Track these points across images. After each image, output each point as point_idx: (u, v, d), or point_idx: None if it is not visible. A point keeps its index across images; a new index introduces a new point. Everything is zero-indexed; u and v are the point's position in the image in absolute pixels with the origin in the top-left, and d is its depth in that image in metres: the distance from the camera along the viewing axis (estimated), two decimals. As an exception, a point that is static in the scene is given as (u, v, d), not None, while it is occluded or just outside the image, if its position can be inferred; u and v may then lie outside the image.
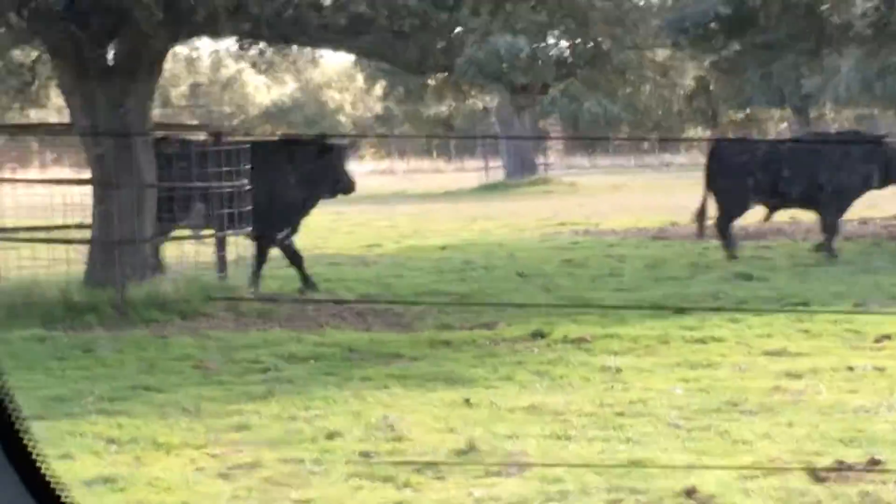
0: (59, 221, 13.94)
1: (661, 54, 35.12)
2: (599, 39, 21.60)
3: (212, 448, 7.11)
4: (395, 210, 30.84)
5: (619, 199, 33.70)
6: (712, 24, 23.27)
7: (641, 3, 27.66)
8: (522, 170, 39.96)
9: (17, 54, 22.97)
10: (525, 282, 15.56)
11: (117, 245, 12.37)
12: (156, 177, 12.82)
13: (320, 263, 16.30)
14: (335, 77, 61.38)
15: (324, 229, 21.22)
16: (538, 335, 11.08)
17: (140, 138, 12.55)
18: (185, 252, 13.78)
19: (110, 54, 12.63)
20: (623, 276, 15.79)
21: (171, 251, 14.28)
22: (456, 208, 31.47)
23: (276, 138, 18.23)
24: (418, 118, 54.99)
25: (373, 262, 17.85)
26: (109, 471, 6.63)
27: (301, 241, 15.01)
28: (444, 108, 52.42)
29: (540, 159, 45.32)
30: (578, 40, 29.61)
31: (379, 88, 43.43)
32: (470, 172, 49.12)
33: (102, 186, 12.45)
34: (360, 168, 38.09)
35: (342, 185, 14.72)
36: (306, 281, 14.35)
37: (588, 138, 52.04)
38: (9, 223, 13.80)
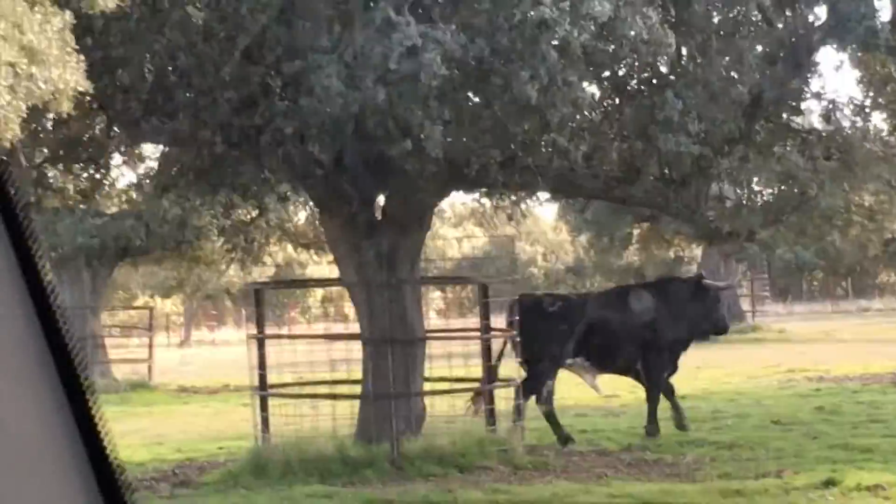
0: (321, 376, 13.99)
1: (869, 198, 34.33)
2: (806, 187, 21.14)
3: None
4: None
5: (835, 345, 32.93)
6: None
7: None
8: (730, 317, 39.04)
9: (240, 212, 23.68)
10: (785, 429, 15.05)
11: (392, 399, 12.26)
12: (423, 329, 12.80)
13: (567, 415, 16.00)
14: (527, 229, 61.70)
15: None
16: (829, 483, 10.68)
17: (410, 290, 12.52)
18: (448, 405, 13.66)
19: (379, 207, 12.71)
20: (887, 422, 15.23)
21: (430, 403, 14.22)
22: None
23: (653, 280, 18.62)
24: (609, 268, 54.63)
25: (618, 412, 17.49)
26: None
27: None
28: (635, 259, 52.02)
29: (747, 306, 44.55)
30: (784, 186, 29.24)
31: (584, 239, 43.56)
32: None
33: (374, 342, 12.42)
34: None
35: (719, 325, 15.54)
36: (678, 413, 14.66)
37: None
38: (273, 379, 13.86)
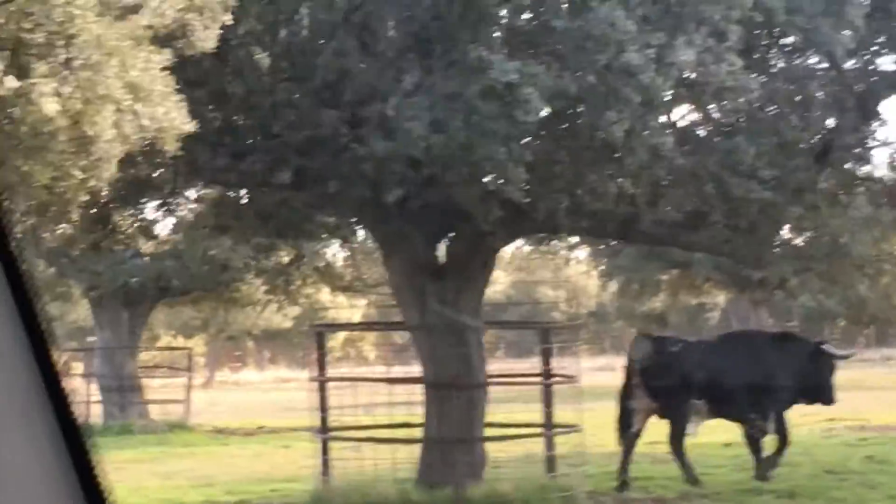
0: (379, 419, 13.91)
1: (901, 246, 34.30)
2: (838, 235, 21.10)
3: None
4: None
5: (867, 393, 32.81)
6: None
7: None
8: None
9: (281, 254, 23.71)
10: (839, 479, 14.88)
11: (455, 444, 12.18)
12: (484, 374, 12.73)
13: (613, 462, 15.88)
14: (550, 274, 61.74)
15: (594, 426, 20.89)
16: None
17: (473, 334, 12.45)
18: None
19: (443, 251, 12.68)
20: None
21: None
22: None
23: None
24: (632, 314, 54.50)
25: (665, 459, 17.34)
26: None
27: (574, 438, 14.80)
28: (657, 304, 51.90)
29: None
30: (815, 233, 29.16)
31: (615, 284, 43.54)
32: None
33: (438, 386, 12.35)
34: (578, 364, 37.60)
35: (825, 395, 14.99)
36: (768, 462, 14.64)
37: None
38: (331, 422, 13.79)
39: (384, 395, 14.37)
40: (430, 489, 12.00)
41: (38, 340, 1.86)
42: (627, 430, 14.39)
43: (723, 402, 14.53)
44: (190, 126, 7.88)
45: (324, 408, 12.98)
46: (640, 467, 16.65)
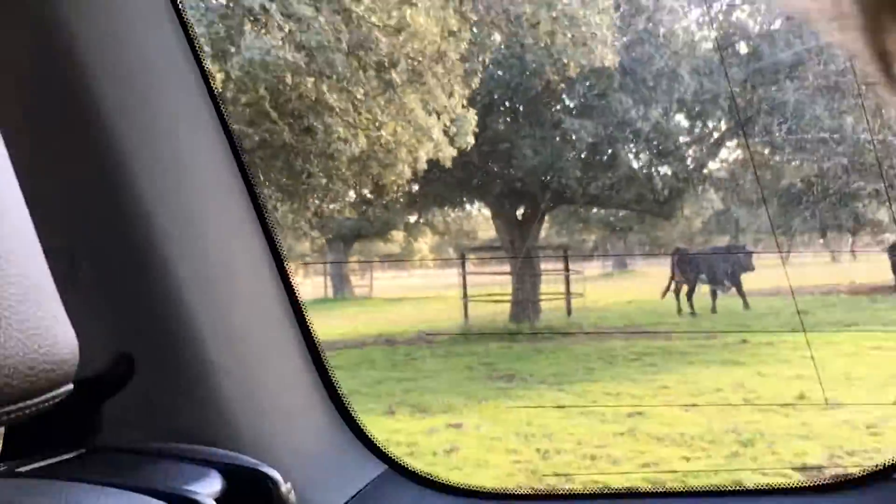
0: (489, 290, 27.31)
1: None
2: None
3: None
4: None
5: None
6: None
7: None
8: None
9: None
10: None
11: (526, 302, 25.46)
12: None
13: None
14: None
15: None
16: None
17: (532, 253, 25.71)
18: None
19: (521, 212, 25.76)
20: None
21: None
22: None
23: None
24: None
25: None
26: None
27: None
28: None
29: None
30: None
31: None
32: None
33: (519, 275, 25.62)
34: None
35: None
36: None
37: None
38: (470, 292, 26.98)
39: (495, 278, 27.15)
40: (516, 323, 24.88)
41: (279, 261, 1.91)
42: None
43: None
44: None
45: (465, 284, 26.08)
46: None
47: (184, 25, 1.74)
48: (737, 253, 20.36)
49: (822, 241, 20.61)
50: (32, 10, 1.54)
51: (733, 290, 20.86)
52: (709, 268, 20.92)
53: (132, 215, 1.59)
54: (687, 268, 21.40)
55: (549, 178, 20.08)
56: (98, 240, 1.62)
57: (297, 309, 1.92)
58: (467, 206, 25.81)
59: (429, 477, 1.98)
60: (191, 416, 1.63)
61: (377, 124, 14.07)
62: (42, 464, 1.34)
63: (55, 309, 0.87)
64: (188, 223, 1.67)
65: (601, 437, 10.44)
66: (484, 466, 9.41)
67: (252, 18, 12.43)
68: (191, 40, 1.74)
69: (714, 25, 19.39)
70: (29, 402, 0.80)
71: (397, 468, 1.99)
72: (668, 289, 21.95)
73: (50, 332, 0.84)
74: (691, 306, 21.04)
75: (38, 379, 0.80)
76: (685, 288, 21.39)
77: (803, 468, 8.75)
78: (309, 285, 33.21)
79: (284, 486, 1.41)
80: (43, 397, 0.82)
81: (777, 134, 17.99)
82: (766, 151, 19.21)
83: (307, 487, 1.68)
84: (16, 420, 0.79)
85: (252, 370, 1.73)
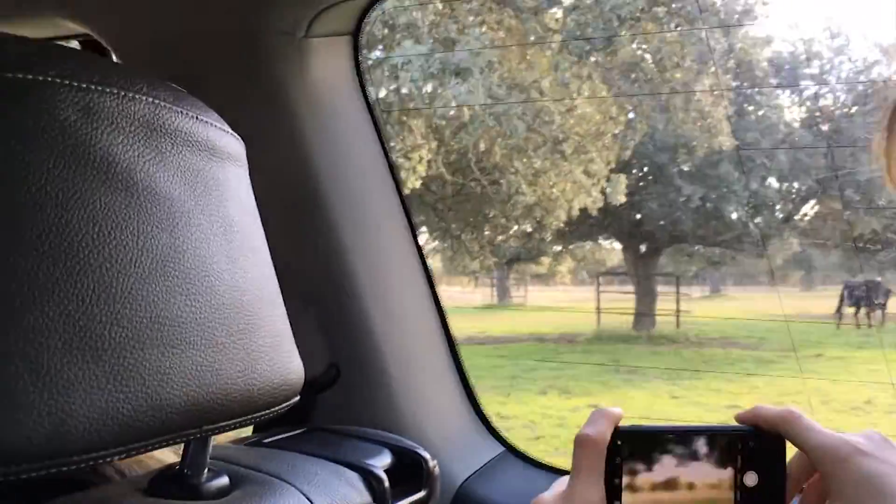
0: (618, 306, 29.03)
1: None
2: None
3: None
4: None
5: None
6: None
7: None
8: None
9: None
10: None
11: (645, 316, 29.71)
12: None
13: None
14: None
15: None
16: None
17: (651, 279, 30.75)
18: None
19: (644, 248, 30.73)
20: None
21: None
22: None
23: None
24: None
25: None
26: None
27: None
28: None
29: None
30: None
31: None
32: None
33: (641, 294, 30.58)
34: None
35: None
36: None
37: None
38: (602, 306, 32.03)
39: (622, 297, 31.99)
40: (637, 331, 25.65)
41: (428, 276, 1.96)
42: None
43: None
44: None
45: (598, 299, 28.35)
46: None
47: (370, 110, 1.94)
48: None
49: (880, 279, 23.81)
50: (283, 129, 1.86)
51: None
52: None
53: (333, 252, 1.82)
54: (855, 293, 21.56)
55: (666, 223, 23.21)
56: (309, 274, 1.84)
57: (443, 321, 2.04)
58: (600, 241, 29.29)
59: (537, 460, 2.16)
60: (373, 408, 1.89)
61: (550, 184, 16.27)
62: (279, 437, 1.58)
63: (290, 350, 1.07)
64: (372, 255, 1.87)
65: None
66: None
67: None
68: (375, 121, 1.95)
69: (802, 108, 21.51)
70: (271, 410, 1.05)
71: (512, 450, 2.16)
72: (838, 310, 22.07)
73: (287, 367, 1.06)
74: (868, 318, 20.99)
75: (278, 396, 1.05)
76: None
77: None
78: (479, 294, 36.55)
79: (432, 462, 1.60)
80: (280, 406, 1.06)
81: (848, 192, 19.85)
82: (839, 206, 21.27)
83: (444, 463, 1.85)
84: (265, 420, 1.05)
85: (412, 373, 1.94)
